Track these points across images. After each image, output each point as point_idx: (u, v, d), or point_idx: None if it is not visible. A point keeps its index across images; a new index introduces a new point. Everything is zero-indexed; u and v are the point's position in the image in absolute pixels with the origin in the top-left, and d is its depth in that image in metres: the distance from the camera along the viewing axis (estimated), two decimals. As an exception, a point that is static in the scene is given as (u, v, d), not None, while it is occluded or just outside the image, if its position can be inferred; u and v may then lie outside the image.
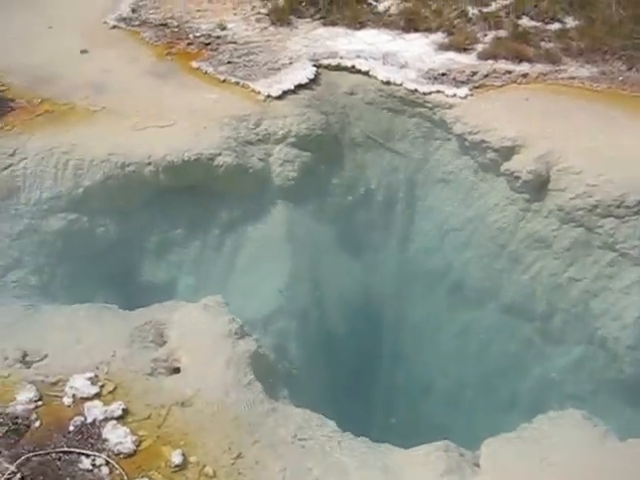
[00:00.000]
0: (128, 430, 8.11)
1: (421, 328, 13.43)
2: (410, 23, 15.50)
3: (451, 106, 13.48)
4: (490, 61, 14.42)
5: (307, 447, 8.35)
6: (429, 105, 13.68)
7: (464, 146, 13.29)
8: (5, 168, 11.91)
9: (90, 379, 8.63)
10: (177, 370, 9.09)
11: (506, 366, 12.71)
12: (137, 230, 12.30)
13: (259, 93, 13.48)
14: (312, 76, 13.94)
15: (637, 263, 11.75)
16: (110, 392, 8.57)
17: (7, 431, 8.01)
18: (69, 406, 8.37)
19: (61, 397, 8.46)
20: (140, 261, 12.38)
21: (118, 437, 8.03)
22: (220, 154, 12.34)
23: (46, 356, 9.08)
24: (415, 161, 13.81)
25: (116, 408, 8.31)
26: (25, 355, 9.08)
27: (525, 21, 15.57)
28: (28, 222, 11.72)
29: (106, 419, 8.21)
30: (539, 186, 12.38)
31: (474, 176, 13.29)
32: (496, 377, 12.77)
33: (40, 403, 8.38)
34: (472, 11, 15.84)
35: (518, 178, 12.44)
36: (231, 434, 8.25)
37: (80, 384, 8.55)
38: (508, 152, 12.63)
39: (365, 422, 11.03)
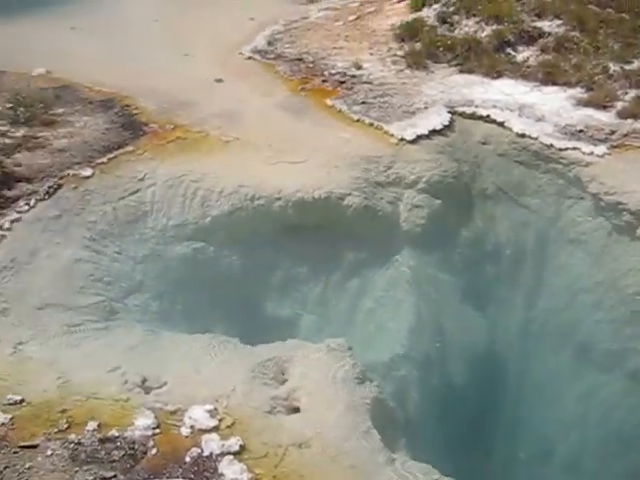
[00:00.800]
0: (245, 467, 7.82)
1: (543, 388, 12.84)
2: (549, 76, 15.08)
3: (587, 164, 12.99)
4: (630, 120, 13.87)
5: (425, 503, 7.95)
6: (564, 161, 13.22)
7: (599, 206, 12.75)
8: (134, 192, 11.95)
9: (209, 411, 8.41)
10: (296, 410, 8.80)
11: (630, 435, 11.99)
12: (262, 264, 12.11)
13: (392, 136, 13.26)
14: (447, 122, 13.67)
15: None
16: (228, 426, 8.32)
17: (124, 455, 7.85)
18: (187, 436, 8.15)
19: (179, 427, 8.26)
20: (262, 295, 12.16)
21: (234, 473, 7.76)
22: (350, 194, 12.13)
23: (165, 383, 8.92)
24: (547, 218, 13.31)
25: (233, 443, 8.05)
26: (145, 380, 8.95)
27: (670, 80, 14.97)
28: (153, 247, 11.68)
29: (223, 453, 7.96)
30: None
31: (608, 238, 12.71)
32: (618, 445, 12.06)
33: (158, 431, 8.18)
34: (613, 67, 15.31)
35: (657, 243, 11.87)
36: (347, 482, 7.90)
37: (199, 415, 8.34)
38: (646, 215, 12.09)
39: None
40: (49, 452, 7.77)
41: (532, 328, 13.12)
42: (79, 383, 8.75)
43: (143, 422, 8.21)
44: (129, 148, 12.59)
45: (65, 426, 8.13)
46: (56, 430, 8.08)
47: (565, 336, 12.80)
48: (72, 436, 8.00)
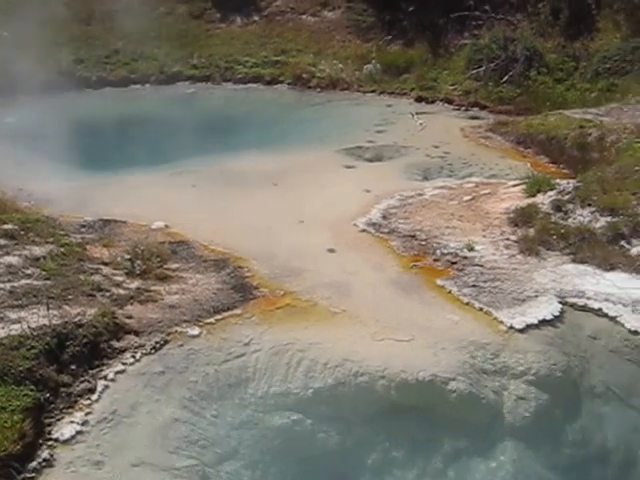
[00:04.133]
0: None
1: None
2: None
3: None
4: None
5: None
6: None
7: None
8: (238, 356, 11.92)
9: None
10: None
11: None
12: (358, 442, 11.78)
13: (501, 322, 13.02)
14: (557, 313, 13.39)
15: None
16: None
17: None
18: None
19: None
20: (357, 475, 11.77)
21: None
22: (454, 379, 11.85)
23: None
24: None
25: None
26: None
27: None
28: (251, 414, 11.51)
29: None
30: None
31: None
32: None
33: None
34: None
35: None
36: None
37: None
38: None
39: None
40: None
41: None
42: None
43: None
44: (237, 311, 12.67)
45: None
46: None
47: None
48: None
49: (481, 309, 13.36)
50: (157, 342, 11.76)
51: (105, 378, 11.03)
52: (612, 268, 14.96)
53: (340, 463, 11.71)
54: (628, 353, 13.15)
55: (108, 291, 12.61)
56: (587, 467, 12.55)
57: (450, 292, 13.82)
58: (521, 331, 12.93)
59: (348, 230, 15.90)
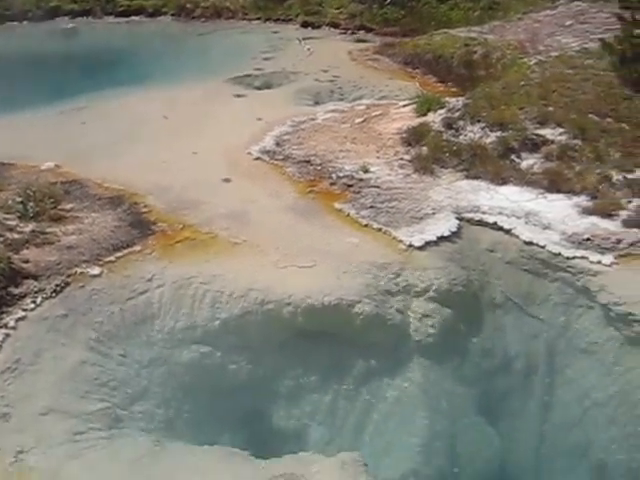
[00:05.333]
0: None
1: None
2: (553, 183, 15.10)
3: (596, 273, 12.93)
4: (635, 230, 13.82)
5: None
6: (572, 270, 13.15)
7: (609, 316, 12.63)
8: (142, 293, 11.76)
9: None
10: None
11: None
12: (270, 371, 11.86)
13: (401, 242, 13.18)
14: (455, 229, 13.63)
15: None
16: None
17: None
18: None
19: None
20: (271, 405, 11.88)
21: None
22: (360, 302, 11.96)
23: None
24: (556, 328, 13.15)
25: None
26: (152, 497, 8.63)
27: (671, 192, 15.04)
28: (160, 351, 11.42)
29: None
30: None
31: (619, 349, 12.54)
32: None
33: None
34: (616, 176, 15.38)
35: (670, 357, 11.75)
36: None
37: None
38: (658, 328, 11.98)
39: None
40: None
41: (545, 444, 12.79)
42: (84, 500, 8.43)
43: None
44: (137, 247, 12.44)
45: None
46: None
47: (579, 453, 12.47)
48: None
49: (380, 230, 13.49)
50: (57, 285, 11.45)
51: (5, 326, 10.71)
52: (504, 182, 15.27)
53: (254, 394, 11.78)
54: (524, 263, 13.51)
55: (1, 236, 12.18)
56: (492, 377, 12.96)
57: (348, 215, 13.88)
58: (421, 249, 13.11)
59: (242, 159, 15.73)
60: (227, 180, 14.82)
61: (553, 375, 13.05)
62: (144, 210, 13.56)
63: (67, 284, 11.53)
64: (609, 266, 13.02)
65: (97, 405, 10.22)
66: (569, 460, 12.57)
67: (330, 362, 12.06)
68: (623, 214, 14.32)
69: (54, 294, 11.33)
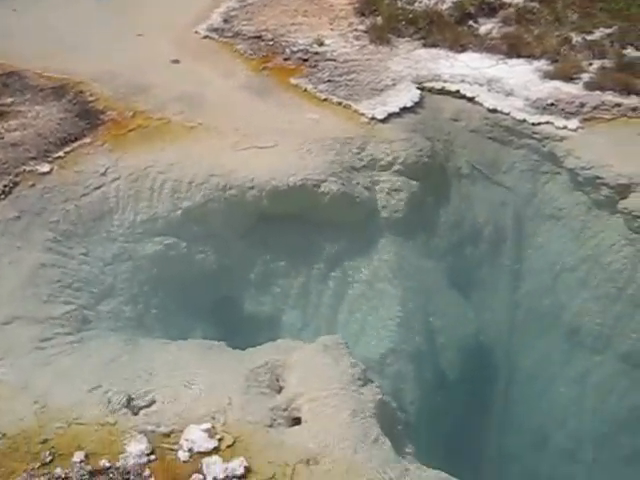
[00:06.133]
0: (253, 492, 7.32)
1: (535, 375, 12.57)
2: (513, 48, 14.67)
3: (562, 138, 12.76)
4: (597, 92, 13.57)
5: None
6: (538, 136, 12.96)
7: (576, 181, 12.53)
8: (97, 188, 11.15)
9: (207, 431, 7.81)
10: (297, 420, 8.27)
11: (627, 418, 11.82)
12: (238, 258, 11.48)
13: (363, 115, 12.70)
14: (417, 99, 13.16)
15: None
16: (229, 446, 7.74)
17: (119, 488, 7.23)
18: (185, 461, 7.56)
19: (176, 450, 7.66)
20: (241, 292, 11.55)
21: (242, 500, 7.25)
22: (325, 180, 11.53)
23: (154, 401, 8.30)
24: (523, 195, 13.00)
25: (238, 466, 7.50)
26: (130, 399, 8.30)
27: (630, 51, 14.64)
28: (122, 246, 10.92)
29: (227, 477, 7.41)
30: (660, 226, 11.63)
31: (587, 213, 12.52)
32: (614, 430, 11.88)
33: (153, 457, 7.57)
34: (575, 38, 14.97)
35: (637, 217, 11.66)
36: (365, 499, 7.42)
37: (197, 437, 7.75)
38: (624, 190, 11.95)
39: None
40: (34, 491, 7.08)
41: (518, 312, 12.83)
42: (58, 408, 8.06)
43: (136, 448, 7.60)
44: (87, 140, 11.74)
45: (49, 459, 7.48)
46: (39, 464, 7.44)
47: (552, 319, 12.55)
48: (58, 470, 7.37)
49: (340, 104, 12.95)
50: (5, 186, 10.80)
51: (-46, 233, 10.09)
52: (463, 49, 14.78)
53: (222, 283, 11.45)
54: (488, 131, 13.23)
55: (-63, 139, 11.40)
56: (463, 249, 12.81)
57: (306, 90, 13.28)
58: (383, 121, 12.66)
59: (190, 38, 14.85)
60: (176, 61, 14.00)
61: (522, 243, 13.00)
62: (91, 99, 12.71)
63: (16, 184, 10.87)
64: (574, 131, 12.84)
65: (62, 308, 9.73)
66: (542, 326, 12.65)
67: (299, 245, 11.71)
68: (585, 77, 14.04)
69: (3, 195, 10.70)
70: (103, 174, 11.30)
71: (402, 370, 11.21)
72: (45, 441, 7.68)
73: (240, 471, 7.44)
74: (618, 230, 12.08)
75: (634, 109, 13.24)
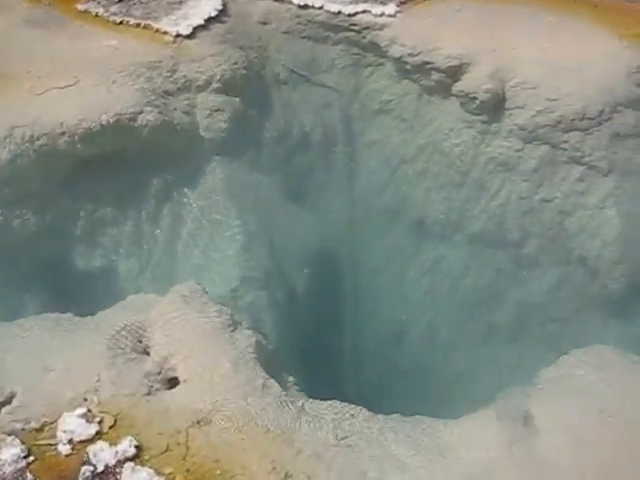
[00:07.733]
0: (151, 471, 6.56)
1: (386, 270, 12.35)
2: None
3: (382, 27, 12.34)
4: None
5: (353, 445, 7.04)
6: (356, 28, 12.48)
7: (403, 70, 12.21)
8: None
9: (83, 416, 6.95)
10: (175, 381, 7.51)
11: (481, 298, 11.87)
12: (61, 215, 10.40)
13: (166, 33, 11.70)
14: (220, 7, 12.24)
15: (606, 174, 11.07)
16: (112, 427, 6.95)
17: (1, 503, 6.31)
18: (68, 455, 6.70)
19: (55, 445, 6.76)
20: (70, 251, 10.51)
21: (143, 482, 6.48)
22: (142, 112, 10.52)
23: (14, 394, 7.26)
24: (347, 93, 12.57)
25: (127, 446, 6.72)
26: (-15, 396, 7.24)
27: None
28: None
29: (120, 462, 6.62)
30: (495, 105, 11.47)
31: (418, 101, 12.24)
32: (470, 311, 11.91)
33: (32, 458, 6.66)
34: None
35: (474, 99, 11.52)
36: (269, 450, 6.83)
37: (74, 425, 6.89)
38: (456, 72, 11.71)
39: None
40: None
41: (357, 210, 12.49)
42: None
43: (9, 453, 6.68)
44: None
45: None
46: None
47: (394, 213, 12.32)
48: None
49: (139, 25, 11.87)
50: None
51: None
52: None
53: (48, 245, 10.37)
54: (302, 30, 12.65)
55: None
56: (292, 158, 12.32)
57: (97, 15, 12.05)
58: (190, 37, 11.76)
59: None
60: None
61: (354, 142, 12.60)
62: None
63: None
64: (393, 16, 12.41)
65: None
66: (386, 221, 12.40)
67: (123, 187, 10.78)
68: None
69: None
70: None
71: (255, 300, 10.59)
72: None
73: (131, 451, 6.70)
74: (454, 114, 11.89)
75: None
